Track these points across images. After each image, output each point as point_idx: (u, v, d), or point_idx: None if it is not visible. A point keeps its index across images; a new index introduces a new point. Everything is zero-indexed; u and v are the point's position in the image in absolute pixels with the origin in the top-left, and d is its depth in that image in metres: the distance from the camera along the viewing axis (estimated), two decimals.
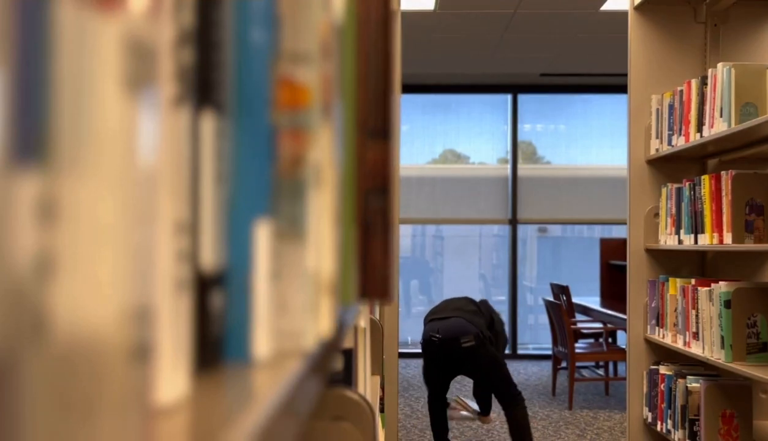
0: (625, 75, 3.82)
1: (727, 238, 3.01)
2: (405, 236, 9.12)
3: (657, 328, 3.69)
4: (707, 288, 3.21)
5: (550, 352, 7.23)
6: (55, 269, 0.22)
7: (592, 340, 7.07)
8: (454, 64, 7.85)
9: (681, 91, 3.49)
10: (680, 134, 3.48)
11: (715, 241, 3.12)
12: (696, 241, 3.30)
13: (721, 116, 3.10)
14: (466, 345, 4.00)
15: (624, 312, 4.03)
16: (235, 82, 0.43)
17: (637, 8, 3.78)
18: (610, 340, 6.92)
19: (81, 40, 0.23)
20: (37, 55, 0.21)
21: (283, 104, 0.49)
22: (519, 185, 8.61)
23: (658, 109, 3.71)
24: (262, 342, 0.45)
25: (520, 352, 8.47)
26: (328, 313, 0.57)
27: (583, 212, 8.54)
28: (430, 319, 4.22)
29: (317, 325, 0.52)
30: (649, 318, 3.77)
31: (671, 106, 3.59)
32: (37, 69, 0.21)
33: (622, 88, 4.21)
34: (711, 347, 3.14)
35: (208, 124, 0.40)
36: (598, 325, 6.98)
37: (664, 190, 3.66)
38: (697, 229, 3.30)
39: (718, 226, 3.11)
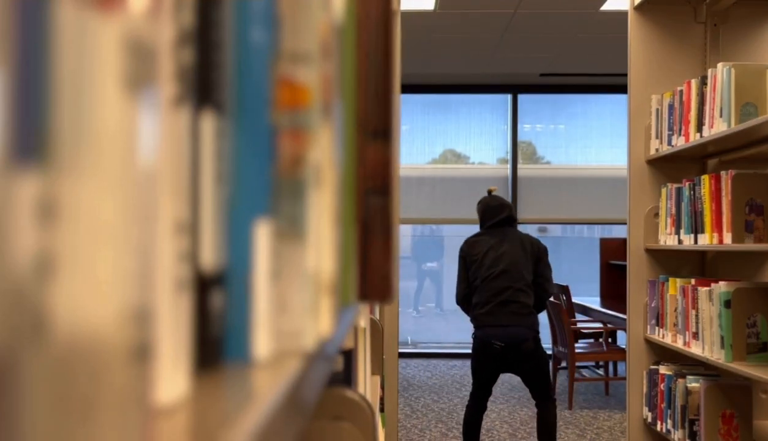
0: (625, 75, 3.82)
1: (727, 238, 3.01)
2: (405, 236, 9.13)
3: (657, 328, 3.69)
4: (707, 288, 3.21)
5: (550, 352, 7.24)
6: (55, 269, 0.22)
7: (592, 340, 7.08)
8: (454, 64, 7.85)
9: (681, 91, 3.49)
10: (680, 134, 3.48)
11: (715, 241, 3.12)
12: (696, 241, 3.30)
13: (721, 116, 3.10)
14: (526, 349, 4.23)
15: (624, 312, 4.03)
16: (235, 82, 0.43)
17: (637, 8, 3.78)
18: (610, 340, 6.92)
19: (81, 40, 0.23)
20: (37, 55, 0.21)
21: (283, 104, 0.49)
22: (519, 185, 8.61)
23: (658, 109, 3.71)
24: (262, 342, 0.45)
25: None
26: (328, 313, 0.57)
27: (583, 212, 8.55)
28: (489, 324, 4.27)
29: (317, 325, 0.52)
30: (649, 318, 3.77)
31: (671, 106, 3.59)
32: (37, 69, 0.21)
33: (622, 88, 4.21)
34: (711, 347, 3.14)
35: (208, 124, 0.40)
36: (598, 325, 6.98)
37: (664, 190, 3.66)
38: (697, 229, 3.30)
39: (718, 226, 3.11)
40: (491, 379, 4.39)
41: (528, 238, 4.45)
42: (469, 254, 4.40)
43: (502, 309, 4.25)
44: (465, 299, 4.41)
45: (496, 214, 4.50)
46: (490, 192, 4.72)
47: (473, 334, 4.35)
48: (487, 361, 4.31)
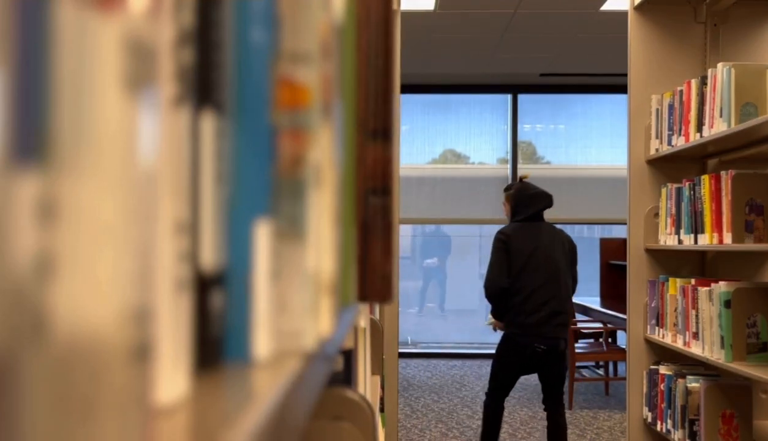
0: (625, 75, 3.82)
1: (727, 238, 3.01)
2: (405, 236, 9.13)
3: (657, 328, 3.69)
4: (707, 288, 3.21)
5: None
6: (55, 269, 0.22)
7: (592, 340, 7.08)
8: (454, 64, 7.85)
9: (681, 91, 3.49)
10: (680, 134, 3.48)
11: (715, 241, 3.12)
12: (696, 241, 3.30)
13: (721, 116, 3.10)
14: (560, 350, 4.20)
15: (624, 312, 4.03)
16: (235, 82, 0.43)
17: (637, 8, 3.78)
18: (610, 340, 6.92)
19: (81, 40, 0.23)
20: (37, 55, 0.21)
21: (283, 104, 0.49)
22: None
23: (658, 109, 3.71)
24: (262, 342, 0.45)
25: None
26: (328, 313, 0.57)
27: (583, 212, 8.55)
28: (535, 333, 4.12)
29: (317, 325, 0.52)
30: (649, 318, 3.77)
31: (671, 106, 3.59)
32: (37, 69, 0.21)
33: (622, 88, 4.21)
34: (711, 347, 3.14)
35: (208, 124, 0.40)
36: (598, 325, 6.98)
37: (664, 190, 3.66)
38: (697, 229, 3.30)
39: (718, 226, 3.11)
40: (516, 379, 4.30)
41: (565, 237, 4.26)
42: (512, 248, 4.11)
43: (550, 320, 4.12)
44: (502, 292, 4.15)
45: (535, 203, 4.22)
46: (522, 179, 4.41)
47: (509, 334, 4.18)
48: (519, 362, 4.17)
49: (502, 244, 4.16)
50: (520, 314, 4.12)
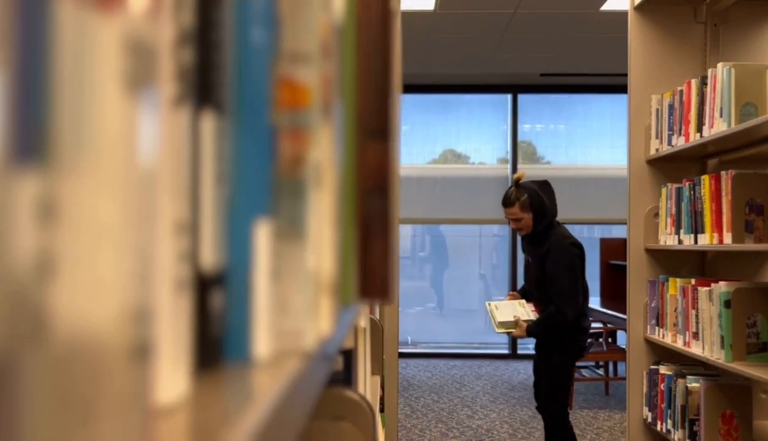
0: (625, 75, 3.82)
1: (727, 238, 3.01)
2: (405, 236, 9.13)
3: (657, 328, 3.69)
4: (707, 288, 3.21)
5: None
6: (55, 269, 0.22)
7: (592, 340, 7.08)
8: (454, 64, 7.85)
9: (681, 91, 3.49)
10: (680, 134, 3.48)
11: (715, 241, 3.12)
12: (696, 241, 3.30)
13: (721, 116, 3.10)
14: None
15: (624, 312, 4.03)
16: (235, 82, 0.43)
17: (637, 8, 3.78)
18: (610, 340, 6.92)
19: (81, 40, 0.23)
20: (37, 55, 0.21)
21: (283, 104, 0.49)
22: None
23: (658, 109, 3.71)
24: (262, 342, 0.45)
25: (520, 351, 8.47)
26: (328, 313, 0.57)
27: (583, 212, 8.54)
28: (589, 330, 4.07)
29: (317, 325, 0.52)
30: (649, 318, 3.77)
31: (671, 106, 3.59)
32: (37, 69, 0.21)
33: (622, 88, 4.21)
34: (711, 347, 3.14)
35: (208, 124, 0.40)
36: (598, 325, 6.98)
37: (664, 190, 3.66)
38: (697, 229, 3.30)
39: (718, 226, 3.11)
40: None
41: None
42: (583, 263, 3.86)
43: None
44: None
45: (553, 198, 3.95)
46: (518, 181, 3.93)
47: (572, 340, 3.88)
48: (576, 363, 3.99)
49: (579, 259, 3.84)
50: (585, 320, 3.95)
